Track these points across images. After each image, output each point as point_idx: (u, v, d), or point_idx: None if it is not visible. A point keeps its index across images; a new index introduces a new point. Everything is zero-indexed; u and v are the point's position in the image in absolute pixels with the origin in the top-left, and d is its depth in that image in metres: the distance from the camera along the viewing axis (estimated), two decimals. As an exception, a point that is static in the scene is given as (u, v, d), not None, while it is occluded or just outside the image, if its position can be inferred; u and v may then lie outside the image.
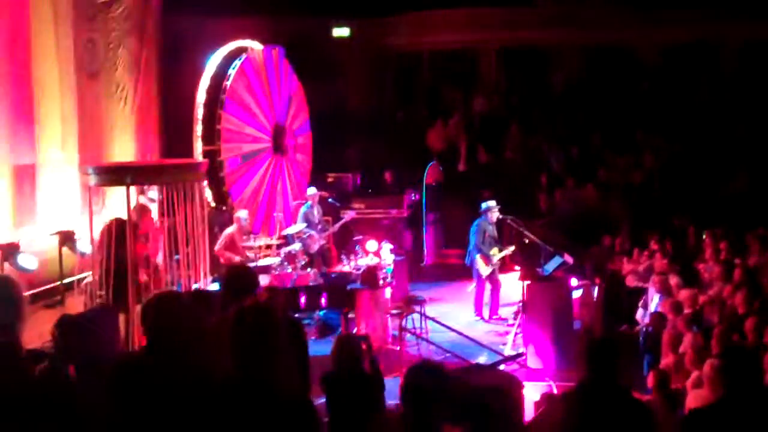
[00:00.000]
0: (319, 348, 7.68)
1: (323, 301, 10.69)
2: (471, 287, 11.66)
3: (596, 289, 10.62)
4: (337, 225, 12.59)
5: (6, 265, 7.67)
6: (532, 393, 7.23)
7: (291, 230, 11.98)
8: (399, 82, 19.59)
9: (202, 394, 3.39)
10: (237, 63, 12.69)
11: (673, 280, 9.37)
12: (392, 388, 4.77)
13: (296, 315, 9.36)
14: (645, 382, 6.77)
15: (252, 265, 9.93)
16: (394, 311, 9.82)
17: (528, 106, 17.72)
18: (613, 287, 10.57)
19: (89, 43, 10.88)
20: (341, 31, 18.51)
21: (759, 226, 11.34)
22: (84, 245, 8.46)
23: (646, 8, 17.38)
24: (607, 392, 4.19)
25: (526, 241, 10.68)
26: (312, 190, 12.53)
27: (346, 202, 14.04)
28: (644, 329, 8.60)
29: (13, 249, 7.75)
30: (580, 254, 11.52)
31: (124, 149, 11.68)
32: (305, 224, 11.97)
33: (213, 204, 12.29)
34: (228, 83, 12.43)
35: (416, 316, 9.87)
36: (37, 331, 5.26)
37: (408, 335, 9.53)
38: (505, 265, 11.81)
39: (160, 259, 8.81)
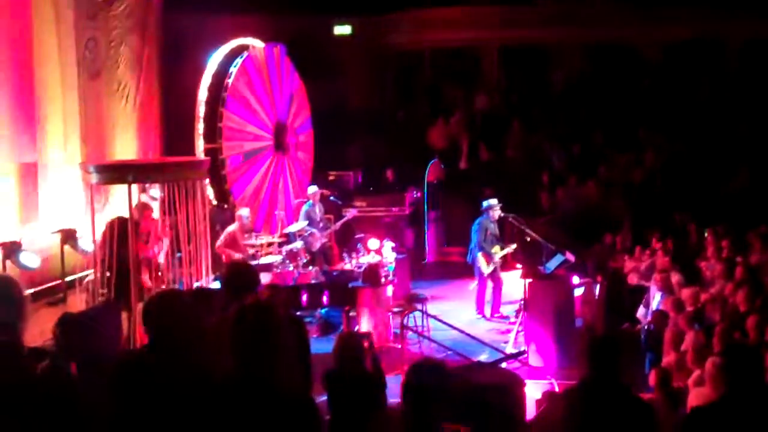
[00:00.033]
0: (321, 346, 7.68)
1: (325, 299, 10.72)
2: (473, 285, 11.66)
3: (598, 287, 10.62)
4: (339, 223, 12.60)
5: (8, 263, 7.67)
6: (533, 391, 7.24)
7: (292, 228, 11.99)
8: (400, 80, 19.59)
9: (203, 393, 3.39)
10: (238, 61, 12.70)
11: (675, 278, 9.37)
12: (394, 386, 4.77)
13: (298, 313, 9.38)
14: (647, 380, 6.77)
15: (253, 263, 9.94)
16: (396, 309, 9.83)
17: (529, 104, 17.72)
18: (614, 285, 10.57)
19: (91, 42, 10.87)
20: (343, 29, 18.51)
21: (761, 223, 11.32)
22: (86, 243, 8.47)
23: (647, 5, 17.37)
24: (608, 390, 4.18)
25: (528, 239, 10.68)
26: (313, 189, 12.53)
27: (348, 200, 14.06)
28: (646, 327, 8.59)
29: (15, 247, 7.75)
30: (582, 252, 11.52)
31: (125, 147, 11.68)
32: (307, 222, 11.97)
33: (214, 202, 12.30)
34: (229, 81, 12.44)
35: (418, 314, 9.86)
36: (39, 329, 5.27)
37: (409, 333, 9.52)
38: (506, 263, 11.80)
39: (162, 258, 8.83)
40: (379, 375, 5.73)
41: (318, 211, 12.26)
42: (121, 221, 8.29)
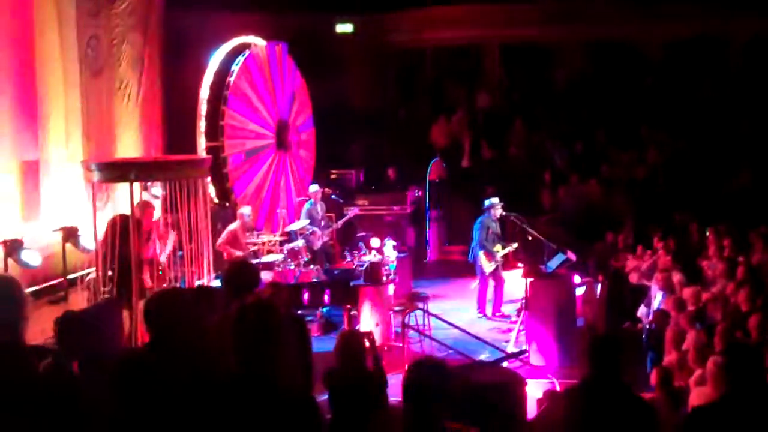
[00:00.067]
0: (322, 344, 7.69)
1: (326, 297, 10.73)
2: (474, 284, 11.66)
3: (599, 286, 10.61)
4: (341, 222, 12.60)
5: (10, 261, 7.68)
6: (534, 390, 7.24)
7: (294, 227, 11.99)
8: (402, 78, 19.56)
9: (205, 391, 3.39)
10: (240, 59, 12.71)
11: (676, 277, 9.36)
12: (395, 385, 4.77)
13: (299, 311, 9.40)
14: (648, 379, 6.76)
15: (255, 261, 9.94)
16: (397, 308, 9.83)
17: (531, 103, 17.70)
18: (616, 284, 10.55)
19: (93, 40, 10.88)
20: (344, 27, 18.49)
21: (762, 223, 11.31)
22: (87, 241, 8.47)
23: (649, 3, 17.33)
24: (609, 390, 4.18)
25: (530, 237, 10.68)
26: (315, 187, 12.54)
27: (350, 199, 14.06)
28: (647, 326, 8.59)
29: (17, 245, 7.76)
30: (584, 251, 11.52)
31: (127, 145, 11.69)
32: (308, 221, 11.98)
33: (216, 200, 12.30)
34: (231, 79, 12.45)
35: (419, 312, 9.86)
36: (41, 328, 5.28)
37: (411, 332, 9.53)
38: (508, 262, 11.80)
39: (164, 258, 8.83)
40: (381, 374, 5.72)
41: (319, 209, 12.26)
42: (122, 219, 8.29)
